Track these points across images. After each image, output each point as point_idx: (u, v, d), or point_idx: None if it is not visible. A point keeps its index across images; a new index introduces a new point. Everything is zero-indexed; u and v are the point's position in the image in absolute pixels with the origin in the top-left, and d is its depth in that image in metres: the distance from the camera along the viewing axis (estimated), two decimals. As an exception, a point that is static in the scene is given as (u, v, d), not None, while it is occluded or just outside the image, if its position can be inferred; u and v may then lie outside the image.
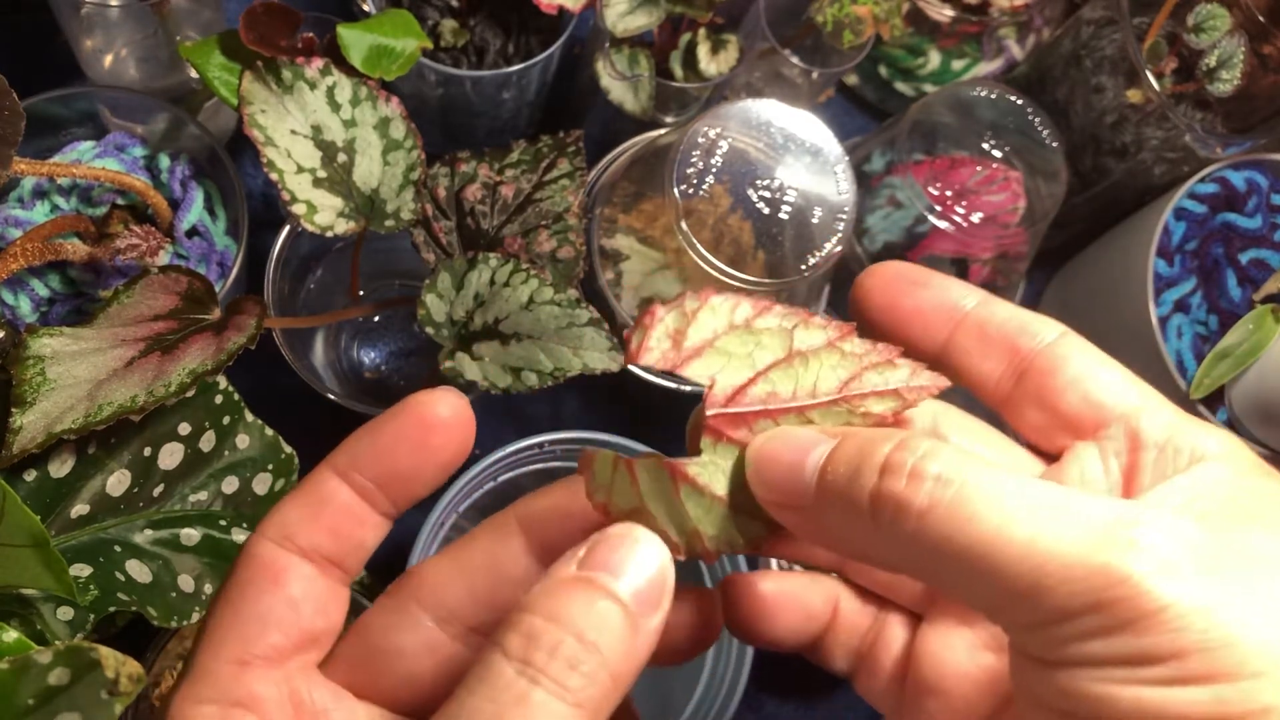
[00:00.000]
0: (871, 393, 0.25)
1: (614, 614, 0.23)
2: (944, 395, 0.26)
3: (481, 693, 0.22)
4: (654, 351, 0.26)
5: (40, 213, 0.56)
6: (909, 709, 0.28)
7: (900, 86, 0.76)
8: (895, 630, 0.29)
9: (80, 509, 0.44)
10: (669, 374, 0.63)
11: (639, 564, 0.24)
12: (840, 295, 0.67)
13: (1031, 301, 0.76)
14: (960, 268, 0.66)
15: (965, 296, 0.27)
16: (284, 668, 0.26)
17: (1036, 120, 0.64)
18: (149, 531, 0.45)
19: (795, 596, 0.29)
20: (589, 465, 0.25)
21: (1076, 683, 0.20)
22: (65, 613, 0.43)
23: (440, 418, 0.26)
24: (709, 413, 0.25)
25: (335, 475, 0.26)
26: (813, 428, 0.25)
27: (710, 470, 0.25)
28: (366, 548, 0.27)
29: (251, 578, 0.26)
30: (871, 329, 0.28)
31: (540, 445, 0.58)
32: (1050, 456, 0.26)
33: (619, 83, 0.63)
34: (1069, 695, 0.20)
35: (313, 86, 0.49)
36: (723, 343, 0.26)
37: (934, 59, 0.74)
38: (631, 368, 0.62)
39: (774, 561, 0.61)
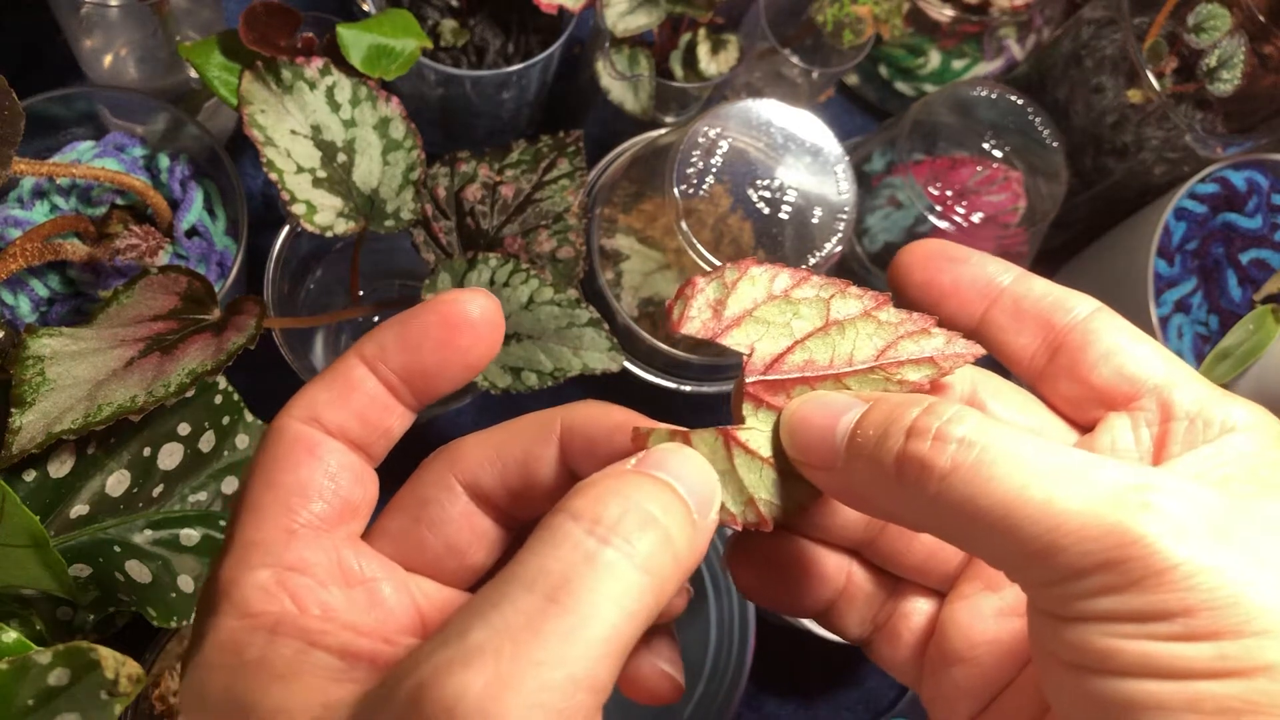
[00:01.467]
0: (908, 360, 0.26)
1: (676, 500, 0.23)
2: (983, 367, 0.27)
3: (547, 553, 0.21)
4: (695, 321, 0.26)
5: (40, 213, 0.56)
6: (932, 677, 0.28)
7: (900, 86, 0.76)
8: (918, 602, 0.29)
9: (80, 509, 0.43)
10: (669, 371, 0.63)
11: (692, 470, 0.24)
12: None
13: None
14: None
15: (1002, 273, 0.28)
16: (331, 536, 0.26)
17: (1037, 120, 0.64)
18: (149, 532, 0.45)
19: (808, 560, 0.29)
20: (642, 443, 0.26)
21: (1086, 636, 0.21)
22: (65, 613, 0.43)
23: (469, 317, 0.26)
24: (748, 379, 0.26)
25: (363, 363, 0.27)
26: (847, 393, 0.25)
27: (755, 436, 0.26)
28: (392, 435, 0.27)
29: (286, 451, 0.26)
30: (909, 304, 0.28)
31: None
32: (1084, 430, 0.27)
33: (619, 83, 0.63)
34: (1079, 648, 0.21)
35: (312, 86, 0.49)
36: (761, 312, 0.26)
37: (934, 59, 0.74)
38: (631, 367, 0.62)
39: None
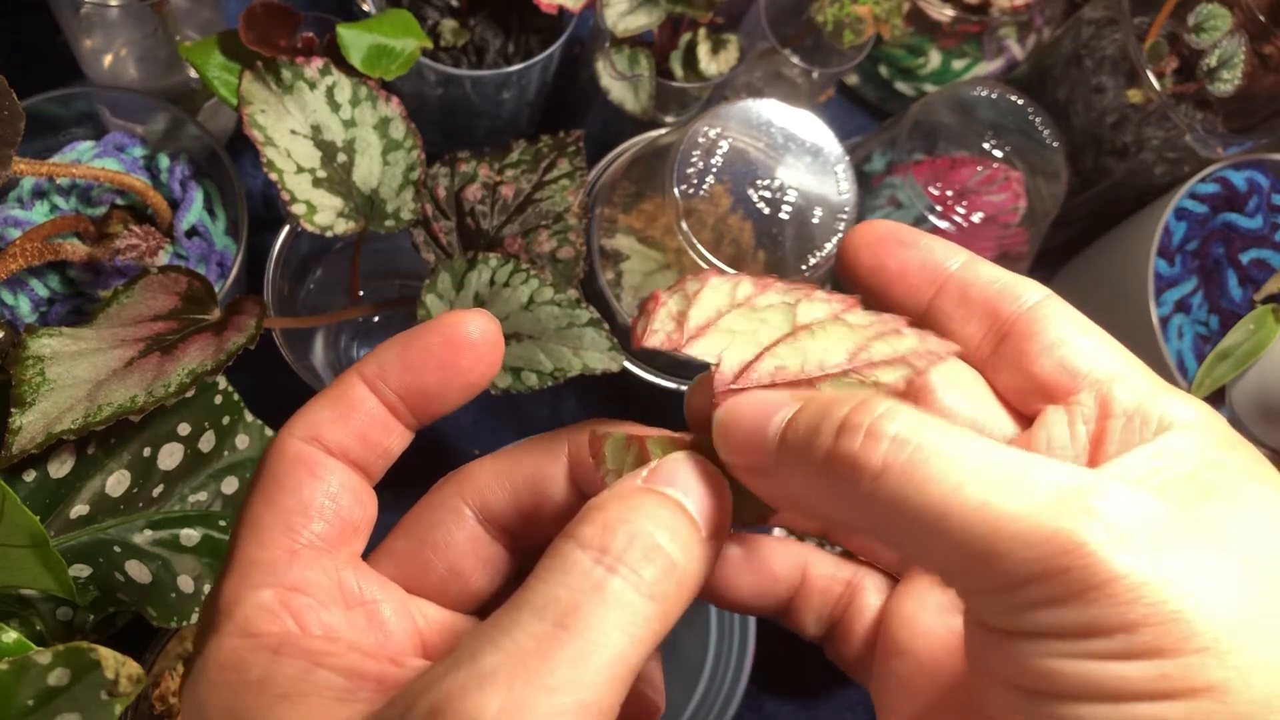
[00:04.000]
0: (881, 361, 0.25)
1: (683, 521, 0.23)
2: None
3: (555, 580, 0.21)
4: (658, 334, 0.26)
5: (40, 213, 0.56)
6: (879, 671, 0.28)
7: (900, 86, 0.76)
8: (869, 597, 0.29)
9: (80, 509, 0.43)
10: (669, 372, 0.63)
11: (702, 484, 0.24)
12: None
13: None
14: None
15: (950, 258, 0.27)
16: (333, 557, 0.26)
17: (1037, 120, 0.64)
18: (149, 532, 0.45)
19: (761, 560, 0.29)
20: (599, 449, 0.26)
21: (1025, 656, 0.20)
22: (65, 613, 0.43)
23: (470, 338, 0.26)
24: (717, 389, 0.25)
25: (363, 383, 0.27)
26: (781, 391, 0.25)
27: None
28: (391, 455, 0.27)
29: (287, 471, 0.26)
30: (858, 289, 0.27)
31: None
32: (1028, 421, 0.26)
33: (619, 83, 0.63)
34: (1017, 667, 0.20)
35: (312, 86, 0.49)
36: (726, 321, 0.26)
37: (934, 59, 0.74)
38: (631, 367, 0.62)
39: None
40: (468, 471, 0.28)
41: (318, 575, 0.25)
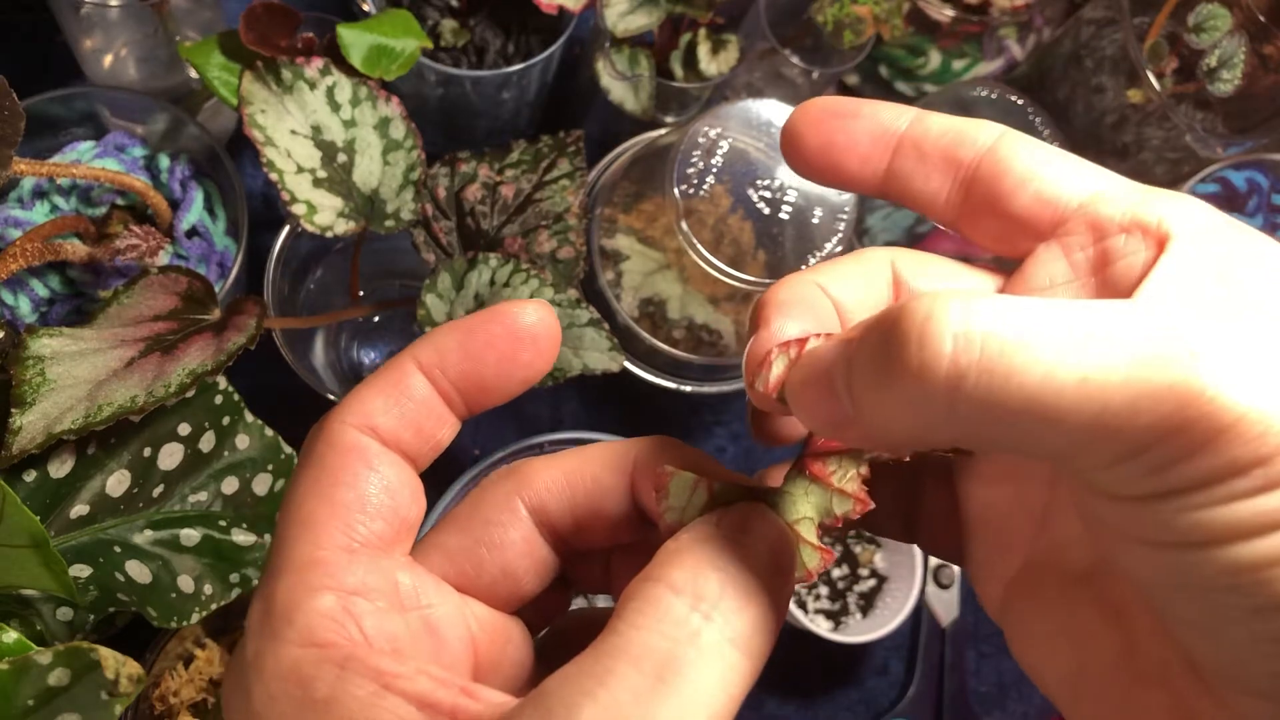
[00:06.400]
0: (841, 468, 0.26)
1: (767, 572, 0.22)
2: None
3: (651, 628, 0.21)
4: (768, 400, 0.25)
5: (40, 213, 0.56)
6: (967, 548, 0.27)
7: (901, 86, 0.76)
8: (938, 483, 0.28)
9: (80, 509, 0.43)
10: (669, 372, 0.63)
11: (776, 534, 0.24)
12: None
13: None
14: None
15: (897, 118, 0.26)
16: (389, 556, 0.25)
17: (1037, 120, 0.64)
18: (149, 532, 0.45)
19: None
20: (664, 485, 0.25)
21: (1166, 516, 0.19)
22: (65, 613, 0.43)
23: (533, 330, 0.26)
24: (809, 452, 0.25)
25: (419, 370, 0.26)
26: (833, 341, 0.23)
27: (781, 499, 0.25)
28: (441, 446, 0.26)
29: (343, 463, 0.25)
30: (809, 173, 0.27)
31: (540, 445, 0.58)
32: (1016, 264, 0.25)
33: (619, 83, 0.63)
34: (1159, 528, 0.19)
35: (312, 86, 0.49)
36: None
37: (934, 59, 0.74)
38: (631, 367, 0.62)
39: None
40: (526, 471, 0.27)
41: (376, 577, 0.24)
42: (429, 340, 0.26)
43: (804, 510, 0.25)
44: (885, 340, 0.19)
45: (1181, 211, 0.23)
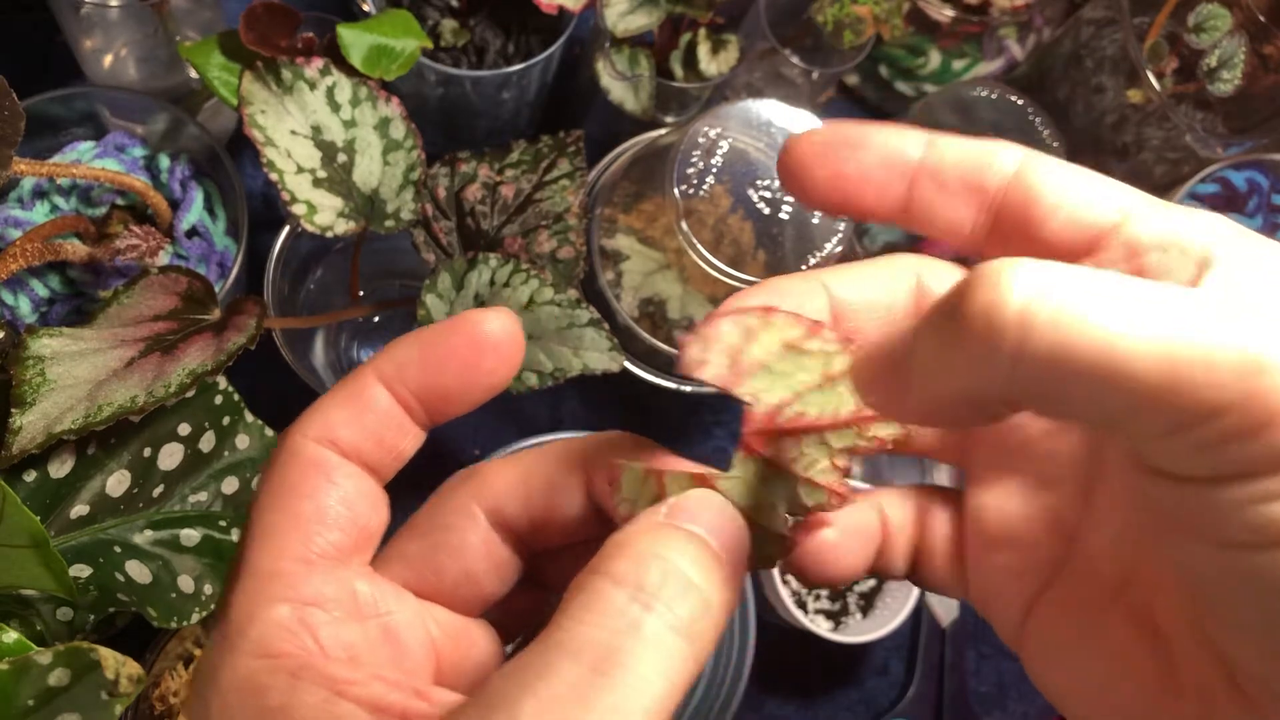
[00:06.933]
0: (878, 417, 0.25)
1: (710, 558, 0.22)
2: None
3: (591, 620, 0.21)
4: (711, 366, 0.25)
5: (40, 213, 0.56)
6: (976, 573, 0.27)
7: (901, 86, 0.76)
8: (937, 513, 0.28)
9: (80, 509, 0.43)
10: (669, 372, 0.63)
11: (726, 522, 0.24)
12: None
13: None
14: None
15: (909, 148, 0.25)
16: (347, 567, 0.25)
17: (1037, 120, 0.64)
18: (149, 532, 0.45)
19: (855, 526, 0.27)
20: (616, 478, 0.25)
21: (1231, 507, 0.18)
22: (65, 613, 0.43)
23: (493, 338, 0.26)
24: (745, 429, 0.25)
25: (379, 381, 0.26)
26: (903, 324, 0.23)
27: (736, 485, 0.25)
28: (404, 457, 0.27)
29: (302, 476, 0.25)
30: (819, 203, 0.26)
31: (540, 445, 0.58)
32: None
33: (619, 83, 0.63)
34: (1221, 520, 0.19)
35: (312, 86, 0.49)
36: (772, 362, 0.26)
37: (934, 59, 0.74)
38: (631, 367, 0.62)
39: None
40: (481, 474, 0.27)
41: (333, 588, 0.24)
42: (389, 353, 0.26)
43: (762, 496, 0.25)
44: (958, 294, 0.19)
45: (1221, 232, 0.23)
